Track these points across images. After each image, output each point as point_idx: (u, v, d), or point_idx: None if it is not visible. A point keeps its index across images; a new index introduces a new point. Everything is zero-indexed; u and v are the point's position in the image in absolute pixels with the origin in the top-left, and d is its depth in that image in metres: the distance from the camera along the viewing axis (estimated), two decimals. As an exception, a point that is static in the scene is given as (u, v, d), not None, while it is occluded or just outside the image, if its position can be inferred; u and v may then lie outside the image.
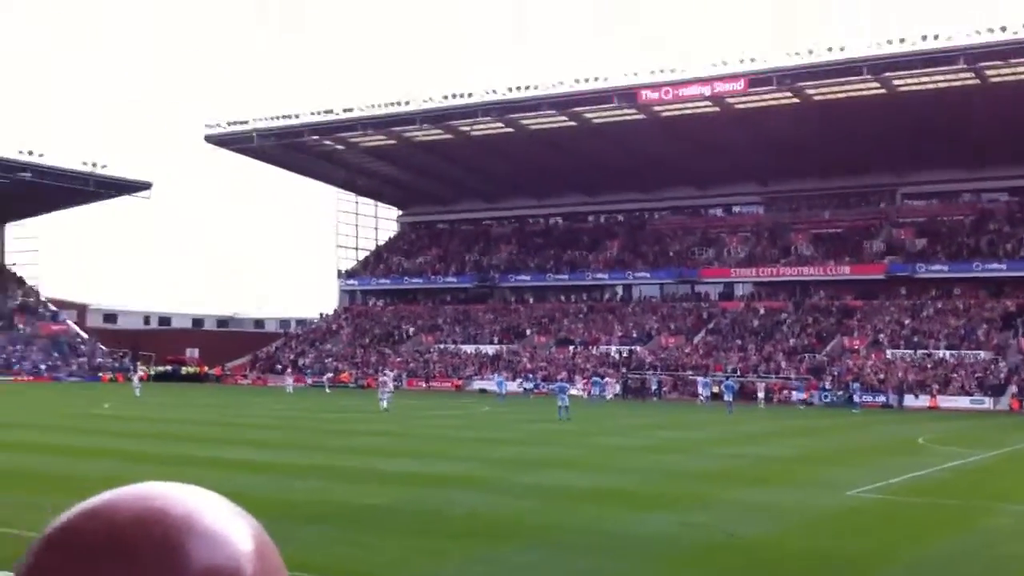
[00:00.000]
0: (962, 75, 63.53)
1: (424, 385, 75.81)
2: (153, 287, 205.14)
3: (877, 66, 64.27)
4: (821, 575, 11.84)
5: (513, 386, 67.42)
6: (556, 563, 12.27)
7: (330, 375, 77.31)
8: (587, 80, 73.97)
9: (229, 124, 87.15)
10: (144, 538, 0.80)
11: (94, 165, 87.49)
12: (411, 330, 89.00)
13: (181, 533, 0.81)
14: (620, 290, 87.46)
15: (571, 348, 78.18)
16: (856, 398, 58.01)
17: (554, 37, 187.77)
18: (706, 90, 70.36)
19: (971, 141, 70.11)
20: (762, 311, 77.54)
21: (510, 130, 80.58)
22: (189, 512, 0.83)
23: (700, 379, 64.66)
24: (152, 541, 0.80)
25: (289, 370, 77.82)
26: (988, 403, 59.08)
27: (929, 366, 64.54)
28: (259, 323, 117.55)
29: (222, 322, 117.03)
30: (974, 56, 61.38)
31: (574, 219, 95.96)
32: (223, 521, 0.84)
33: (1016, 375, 61.51)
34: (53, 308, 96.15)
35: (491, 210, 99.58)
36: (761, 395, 58.89)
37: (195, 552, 0.81)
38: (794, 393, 62.63)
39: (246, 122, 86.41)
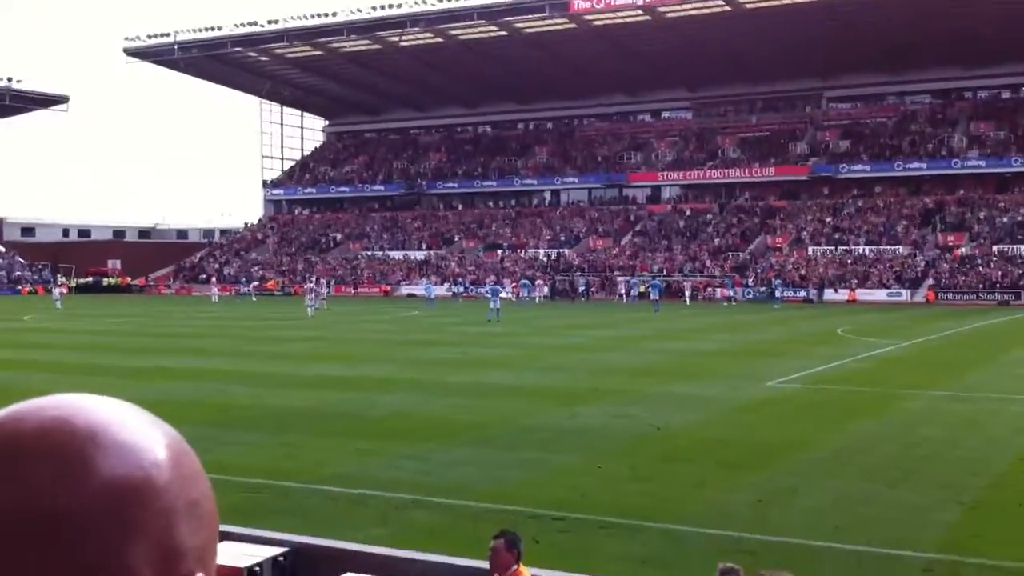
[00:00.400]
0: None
1: (352, 291, 75.50)
2: (72, 199, 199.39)
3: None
4: (747, 461, 12.16)
5: (442, 290, 67.55)
6: (484, 458, 12.40)
7: (255, 283, 76.58)
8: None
9: (150, 37, 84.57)
10: (48, 449, 0.78)
11: (9, 80, 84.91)
12: (338, 237, 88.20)
13: (87, 443, 0.79)
14: (548, 195, 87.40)
15: (499, 252, 78.27)
16: (778, 293, 59.27)
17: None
18: (639, -1, 69.51)
19: (896, 45, 70.47)
20: (688, 212, 78.25)
21: (440, 40, 79.01)
22: (97, 422, 0.81)
23: (623, 279, 65.53)
24: (56, 452, 0.78)
25: (214, 279, 76.79)
26: (905, 295, 60.86)
27: (849, 261, 66.05)
28: (182, 233, 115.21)
29: (144, 233, 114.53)
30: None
31: (503, 127, 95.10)
32: (134, 431, 0.82)
33: (933, 268, 63.33)
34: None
35: (420, 119, 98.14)
36: (688, 293, 60.08)
37: (102, 462, 0.78)
38: (718, 290, 63.72)
39: (168, 34, 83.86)
